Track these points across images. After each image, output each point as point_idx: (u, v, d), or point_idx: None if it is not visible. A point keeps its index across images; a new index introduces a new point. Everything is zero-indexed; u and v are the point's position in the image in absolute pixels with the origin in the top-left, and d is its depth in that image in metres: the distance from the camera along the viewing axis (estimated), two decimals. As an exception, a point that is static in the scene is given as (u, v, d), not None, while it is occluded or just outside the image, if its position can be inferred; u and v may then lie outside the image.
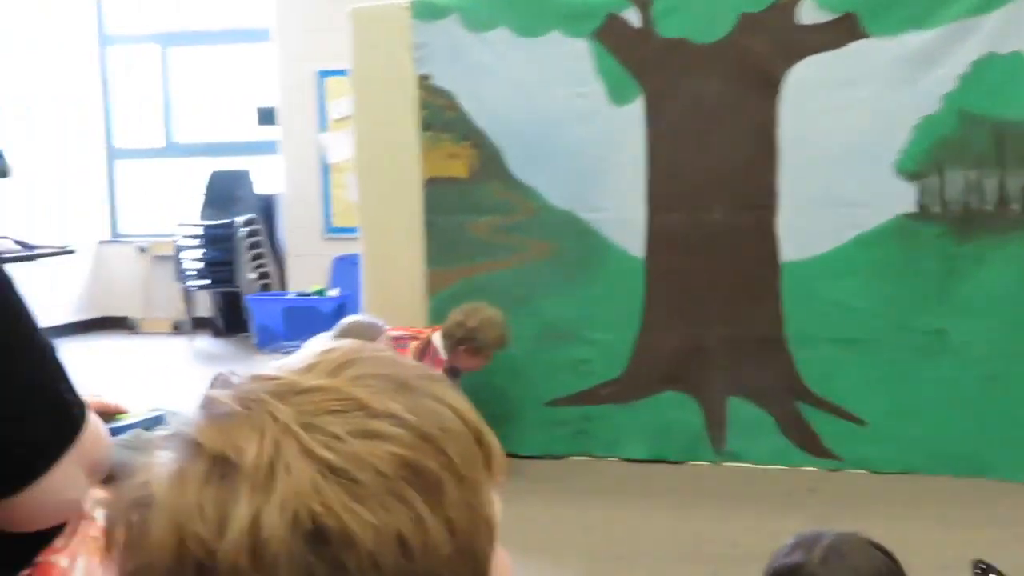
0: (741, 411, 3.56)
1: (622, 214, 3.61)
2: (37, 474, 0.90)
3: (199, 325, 6.92)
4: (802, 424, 3.51)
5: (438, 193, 3.77)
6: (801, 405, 3.51)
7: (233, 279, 6.58)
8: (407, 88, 3.75)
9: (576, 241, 3.65)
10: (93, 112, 7.35)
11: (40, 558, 0.98)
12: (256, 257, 6.62)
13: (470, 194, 3.74)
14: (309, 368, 0.54)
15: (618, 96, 3.57)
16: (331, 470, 0.48)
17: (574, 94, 3.59)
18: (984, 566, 2.17)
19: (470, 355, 3.47)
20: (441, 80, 3.73)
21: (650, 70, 3.55)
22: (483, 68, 3.67)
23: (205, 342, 6.85)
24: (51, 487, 0.91)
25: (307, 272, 6.18)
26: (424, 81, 3.74)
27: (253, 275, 6.56)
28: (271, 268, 6.71)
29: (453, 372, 3.43)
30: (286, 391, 0.51)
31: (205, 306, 7.05)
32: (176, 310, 7.13)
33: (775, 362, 3.51)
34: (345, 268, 5.91)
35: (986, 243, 3.30)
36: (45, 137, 6.87)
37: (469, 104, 3.71)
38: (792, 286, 3.47)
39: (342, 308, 5.44)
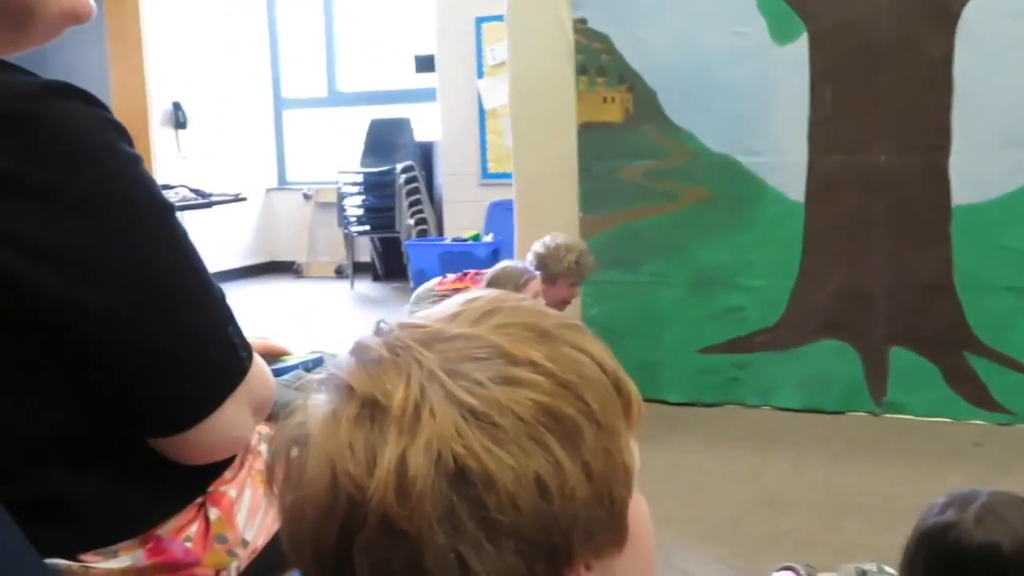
0: (904, 361, 3.44)
1: (782, 157, 3.52)
2: (208, 412, 0.95)
3: (359, 269, 7.17)
4: (971, 375, 3.36)
5: (592, 138, 3.76)
6: (969, 355, 3.36)
7: (392, 225, 6.77)
8: (562, 32, 3.74)
9: (733, 186, 3.59)
10: (261, 64, 7.66)
11: (212, 488, 1.05)
12: (414, 203, 6.79)
13: (625, 139, 3.72)
14: (453, 317, 0.56)
15: (780, 34, 3.45)
16: (473, 414, 0.51)
17: (734, 33, 3.50)
18: None
19: (547, 286, 3.34)
20: (597, 23, 3.70)
21: (815, 6, 3.42)
22: (640, 9, 3.63)
23: (365, 286, 7.11)
24: (220, 424, 0.96)
25: (463, 218, 6.29)
26: (580, 24, 3.72)
27: (411, 221, 6.74)
28: (428, 214, 6.87)
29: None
30: (431, 339, 0.54)
31: (365, 251, 7.29)
32: (338, 255, 7.42)
33: (942, 310, 3.37)
34: (499, 214, 5.99)
35: None
36: (217, 89, 7.21)
37: (625, 47, 3.67)
38: (963, 231, 3.31)
39: (496, 253, 5.52)
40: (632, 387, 0.57)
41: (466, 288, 3.69)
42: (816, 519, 2.61)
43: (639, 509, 0.58)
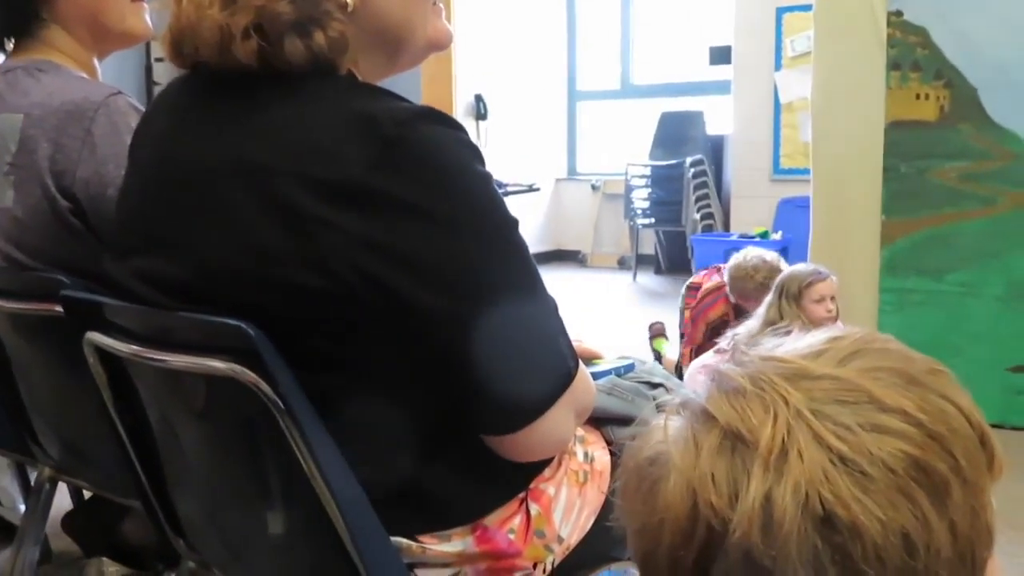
0: None
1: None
2: (538, 415, 1.01)
3: (642, 262, 7.22)
4: None
5: (901, 136, 3.56)
6: None
7: (678, 218, 6.76)
8: (874, 24, 3.56)
9: (1061, 191, 3.28)
10: (558, 56, 7.87)
11: (533, 485, 1.13)
12: (701, 198, 6.73)
13: (938, 138, 3.49)
14: (818, 354, 0.56)
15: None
16: (842, 460, 0.50)
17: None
18: None
19: (741, 302, 3.50)
20: (914, 15, 3.49)
21: None
22: (963, 1, 3.39)
23: (647, 278, 7.14)
24: (547, 427, 1.02)
25: (751, 214, 6.17)
26: (895, 17, 3.53)
27: (697, 215, 6.69)
28: (715, 209, 6.79)
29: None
30: (797, 375, 0.54)
31: (650, 243, 7.33)
32: (622, 246, 7.51)
33: None
34: (789, 211, 5.82)
35: None
36: (516, 81, 7.49)
37: (944, 40, 3.44)
38: None
39: (785, 252, 5.37)
40: (995, 441, 0.56)
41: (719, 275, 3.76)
42: None
43: (996, 569, 0.57)
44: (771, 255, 3.62)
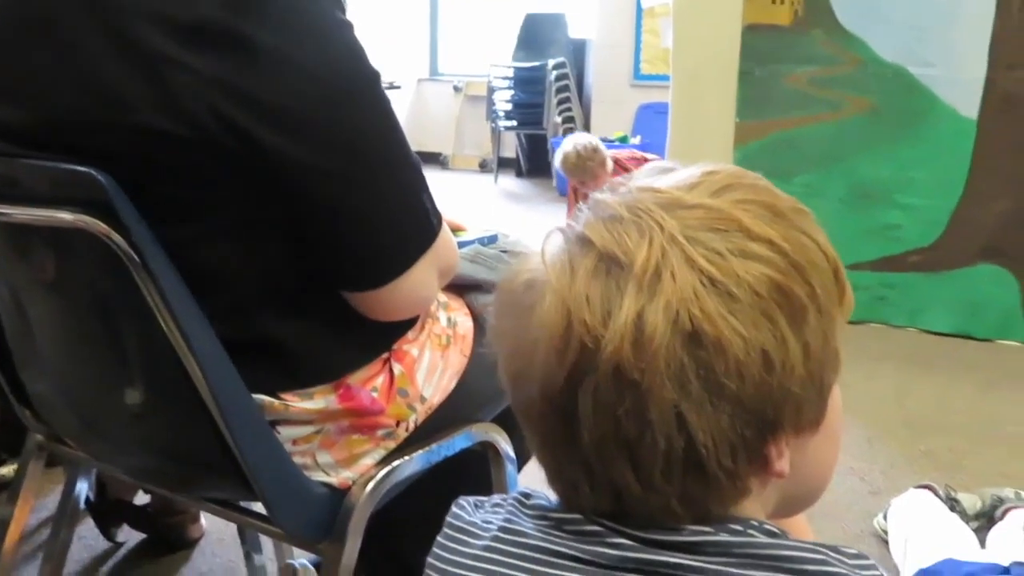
0: (1067, 293, 3.30)
1: (958, 72, 3.34)
2: (401, 271, 1.01)
3: (504, 165, 7.24)
4: None
5: (757, 41, 3.65)
6: None
7: (540, 121, 6.78)
8: (734, -71, 3.62)
9: (902, 98, 3.44)
10: (421, -48, 7.66)
11: (396, 346, 1.13)
12: (563, 101, 6.77)
13: (791, 42, 3.60)
14: (692, 186, 0.58)
15: (970, -62, 3.26)
16: (711, 282, 0.53)
17: (919, -65, 3.32)
18: None
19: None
20: (772, -80, 3.56)
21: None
22: (819, -93, 3.47)
23: (508, 181, 7.18)
24: (410, 284, 1.03)
25: (611, 118, 6.25)
26: (754, -79, 3.59)
27: (558, 119, 6.73)
28: (576, 113, 6.84)
29: None
30: (672, 204, 0.56)
31: (511, 146, 7.34)
32: (484, 149, 7.50)
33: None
34: (649, 116, 5.93)
35: None
36: (378, -25, 7.26)
37: (800, -54, 3.53)
38: None
39: (644, 156, 5.49)
40: (846, 277, 0.59)
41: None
42: (957, 444, 2.58)
43: (837, 396, 0.61)
44: (593, 138, 4.01)
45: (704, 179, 0.58)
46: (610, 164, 3.90)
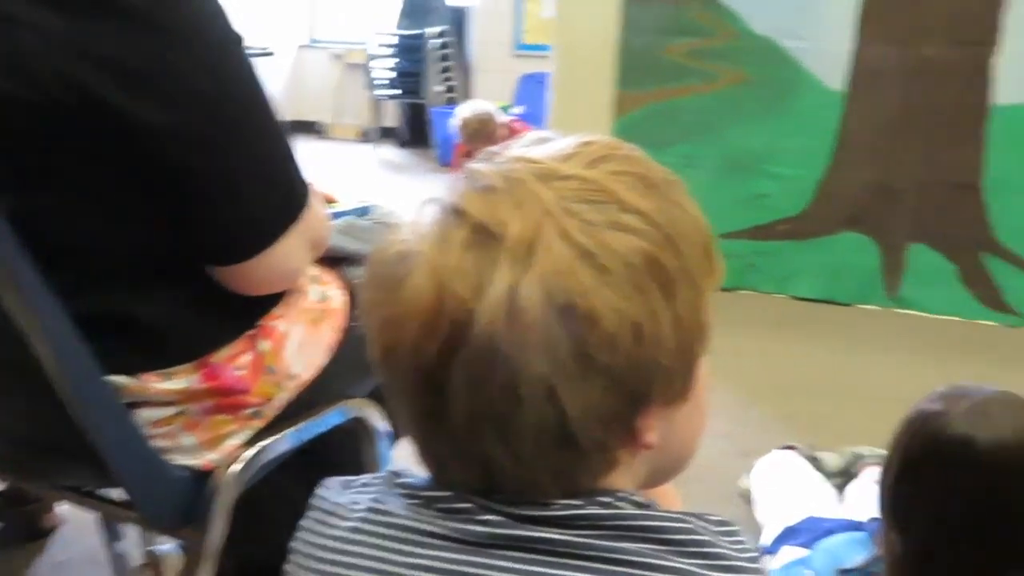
0: (922, 258, 3.46)
1: (826, 45, 3.45)
2: (269, 242, 0.98)
3: (385, 135, 7.14)
4: (986, 277, 3.39)
5: (638, 12, 3.68)
6: (987, 257, 3.38)
7: (420, 91, 6.71)
8: (613, -100, 3.63)
9: (773, 70, 3.54)
10: (296, -86, 7.44)
11: (263, 322, 1.09)
12: (444, 70, 6.70)
13: (670, 15, 3.64)
14: (568, 157, 0.57)
15: (838, -85, 3.35)
16: (585, 254, 0.52)
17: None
18: None
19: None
20: None
21: None
22: None
23: (389, 151, 7.09)
24: (278, 256, 1.00)
25: (493, 88, 6.23)
26: None
27: (440, 88, 6.67)
28: (458, 82, 6.79)
29: None
30: (547, 175, 0.55)
31: (392, 116, 7.24)
32: (364, 118, 7.37)
33: (967, 210, 3.37)
34: (531, 86, 5.92)
35: None
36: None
37: (677, -81, 3.57)
38: (1000, 131, 3.28)
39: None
40: (717, 249, 0.59)
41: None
42: (822, 404, 2.69)
43: (705, 368, 0.61)
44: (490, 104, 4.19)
45: (580, 150, 0.58)
46: (505, 132, 3.94)
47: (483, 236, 0.53)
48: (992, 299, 3.39)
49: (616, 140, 0.60)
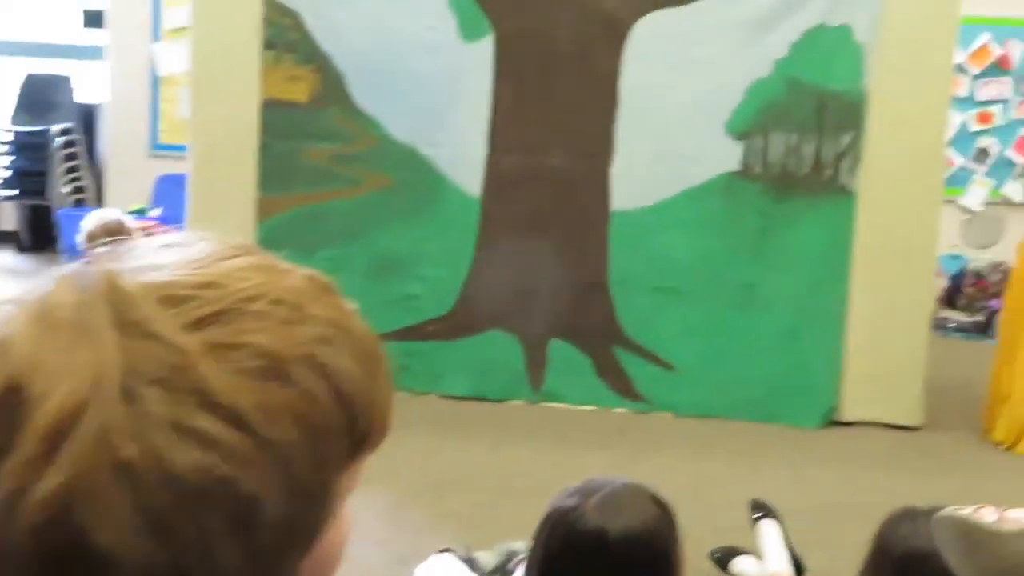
0: (561, 353, 3.68)
1: (462, 152, 3.63)
2: None
3: (2, 239, 6.48)
4: (617, 368, 3.66)
5: (276, 116, 3.66)
6: (617, 349, 3.66)
7: (44, 191, 6.18)
8: (251, 3, 3.61)
9: (414, 176, 3.65)
10: None
11: None
12: (72, 170, 6.24)
13: (309, 119, 3.65)
14: (175, 301, 0.42)
15: (468, 32, 3.56)
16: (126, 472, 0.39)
17: (424, 26, 3.56)
18: (760, 505, 2.37)
19: None
20: (288, -1, 3.61)
21: (502, 9, 3.57)
22: (333, -10, 3.58)
23: (7, 257, 6.43)
24: None
25: (128, 189, 5.88)
26: (270, -1, 3.61)
27: (67, 188, 6.19)
28: (88, 182, 6.34)
29: None
30: (132, 327, 0.41)
31: (10, 219, 6.60)
32: (-22, 220, 6.66)
33: (597, 307, 3.64)
34: (169, 188, 5.66)
35: (800, 204, 3.53)
36: None
37: (315, 26, 3.61)
38: (620, 234, 3.60)
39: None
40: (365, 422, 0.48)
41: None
42: (478, 502, 2.72)
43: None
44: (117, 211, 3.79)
45: (197, 293, 0.43)
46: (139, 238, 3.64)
47: (13, 396, 0.40)
48: (624, 388, 3.67)
49: (254, 268, 0.46)
